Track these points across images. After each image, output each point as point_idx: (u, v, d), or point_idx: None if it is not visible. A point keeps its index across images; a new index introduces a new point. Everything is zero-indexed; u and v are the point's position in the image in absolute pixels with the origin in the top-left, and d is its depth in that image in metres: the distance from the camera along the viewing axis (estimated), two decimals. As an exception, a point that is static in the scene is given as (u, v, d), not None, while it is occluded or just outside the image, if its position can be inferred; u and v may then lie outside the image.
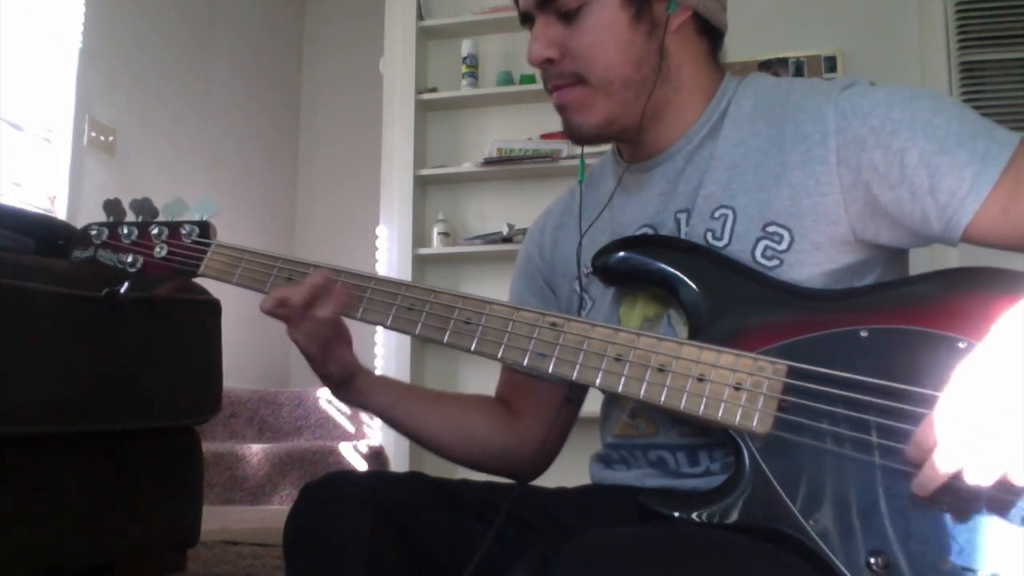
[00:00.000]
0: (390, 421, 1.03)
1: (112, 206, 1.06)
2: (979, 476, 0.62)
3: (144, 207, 1.05)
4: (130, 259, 1.03)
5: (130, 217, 1.06)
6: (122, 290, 1.02)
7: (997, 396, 0.62)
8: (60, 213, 3.25)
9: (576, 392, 0.99)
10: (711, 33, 0.94)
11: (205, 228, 1.02)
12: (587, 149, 0.97)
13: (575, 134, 0.94)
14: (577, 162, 1.01)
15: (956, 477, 0.64)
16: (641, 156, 0.96)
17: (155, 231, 1.03)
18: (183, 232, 1.02)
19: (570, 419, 1.08)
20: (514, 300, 1.08)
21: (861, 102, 0.83)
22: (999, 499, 0.65)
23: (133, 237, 1.04)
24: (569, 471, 0.99)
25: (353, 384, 0.99)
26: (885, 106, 0.81)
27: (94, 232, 1.05)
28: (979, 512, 0.66)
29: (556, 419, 1.06)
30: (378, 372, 3.62)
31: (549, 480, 1.00)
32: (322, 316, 0.92)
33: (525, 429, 1.05)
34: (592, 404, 1.02)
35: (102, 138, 3.49)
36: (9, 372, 1.23)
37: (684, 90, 0.92)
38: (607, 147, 1.05)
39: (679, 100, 0.92)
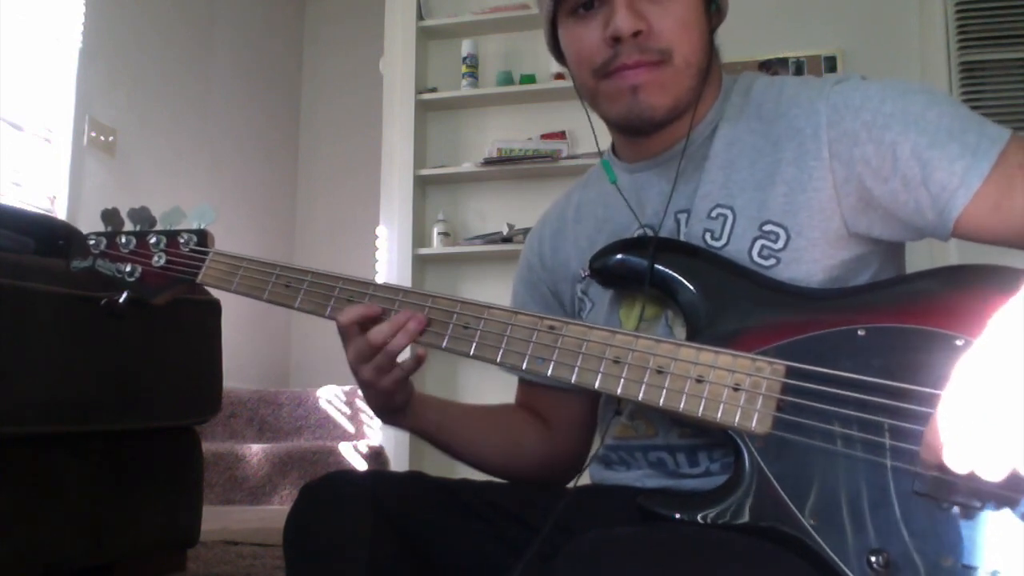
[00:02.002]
0: (434, 442, 1.02)
1: (110, 215, 1.07)
2: (990, 472, 0.62)
3: (142, 216, 1.05)
4: (128, 268, 1.03)
5: (128, 226, 1.06)
6: (121, 299, 1.02)
7: (1000, 390, 0.62)
8: (60, 213, 3.25)
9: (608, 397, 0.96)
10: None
11: (203, 236, 1.03)
12: (583, 149, 0.97)
13: (644, 117, 0.89)
14: (578, 162, 1.01)
15: (968, 476, 0.63)
16: (642, 156, 0.96)
17: (153, 240, 1.03)
18: (181, 241, 1.03)
19: (596, 421, 1.08)
20: (517, 306, 1.08)
21: (853, 96, 0.83)
22: (1005, 495, 0.65)
23: (131, 246, 1.04)
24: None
25: (409, 408, 0.98)
26: (877, 100, 0.81)
27: (92, 242, 1.06)
28: (982, 512, 0.66)
29: (585, 423, 1.06)
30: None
31: (573, 481, 1.00)
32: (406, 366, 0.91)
33: (560, 437, 1.05)
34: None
35: (102, 138, 3.49)
36: (9, 372, 1.24)
37: (708, 86, 0.92)
38: (602, 147, 1.05)
39: (703, 95, 0.92)
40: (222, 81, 4.45)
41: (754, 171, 0.87)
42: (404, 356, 0.90)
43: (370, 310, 0.90)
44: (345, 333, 0.91)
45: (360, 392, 0.97)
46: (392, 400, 0.94)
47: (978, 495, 0.66)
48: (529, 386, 1.08)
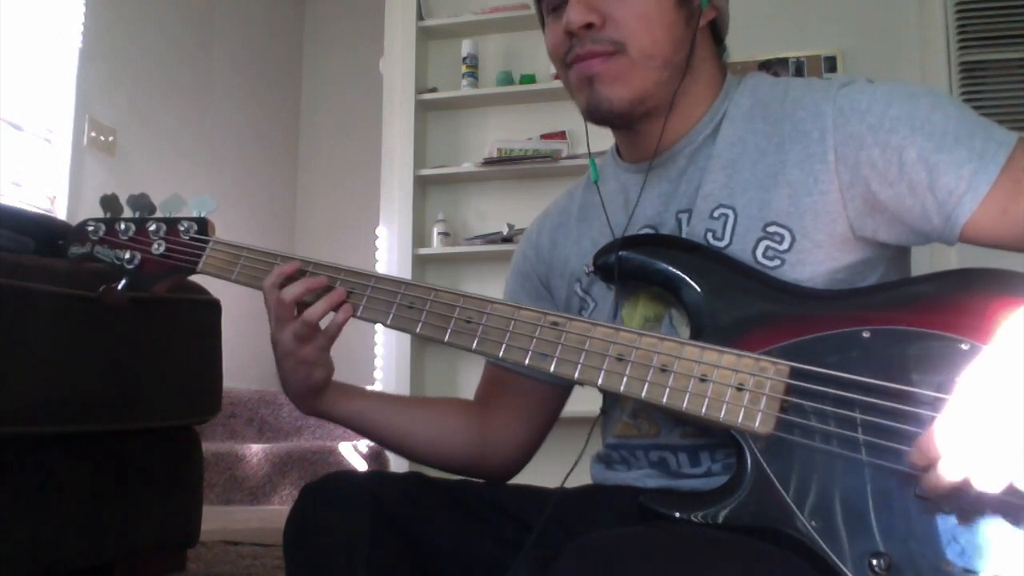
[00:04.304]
0: (360, 428, 1.01)
1: (109, 202, 1.05)
2: (986, 483, 0.62)
3: (141, 203, 1.04)
4: (127, 256, 1.02)
5: (127, 213, 1.05)
6: (119, 287, 1.01)
7: (1002, 402, 0.62)
8: (60, 213, 3.25)
9: (609, 395, 0.96)
10: (718, 37, 0.96)
11: (203, 225, 1.02)
12: (583, 149, 0.97)
13: (603, 108, 0.89)
14: (577, 162, 1.01)
15: (963, 484, 0.63)
16: (642, 155, 0.96)
17: (153, 227, 1.02)
18: (181, 229, 1.02)
19: (551, 418, 1.07)
20: (507, 296, 1.08)
21: (859, 99, 0.82)
22: (1006, 503, 0.65)
23: (131, 233, 1.03)
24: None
25: (326, 391, 0.97)
26: (883, 103, 0.81)
27: (91, 228, 1.04)
28: (983, 515, 0.66)
29: (536, 417, 1.06)
30: (377, 372, 3.58)
31: (549, 480, 1.00)
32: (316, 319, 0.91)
33: (502, 427, 1.04)
34: (591, 404, 1.02)
35: (102, 138, 3.49)
36: (9, 372, 1.23)
37: (700, 84, 0.93)
38: (605, 147, 1.05)
39: (695, 92, 0.92)
40: (222, 81, 4.44)
41: (756, 171, 0.86)
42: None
43: (290, 267, 0.93)
44: (266, 299, 0.93)
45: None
46: (311, 375, 0.93)
47: (981, 502, 0.65)
48: (489, 373, 1.07)
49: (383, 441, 1.03)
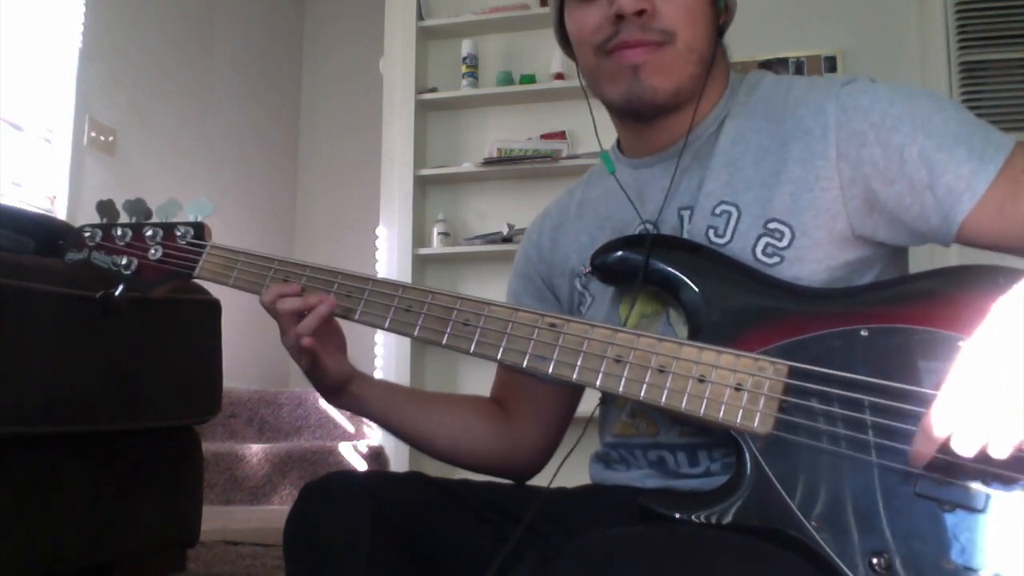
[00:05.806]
0: (386, 424, 1.02)
1: (105, 207, 1.05)
2: (999, 448, 0.62)
3: (138, 208, 1.04)
4: (124, 261, 1.02)
5: (124, 218, 1.05)
6: (117, 292, 1.01)
7: (1002, 373, 0.62)
8: (60, 213, 3.25)
9: (608, 394, 0.96)
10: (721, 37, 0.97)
11: (200, 229, 1.02)
12: (583, 149, 0.97)
13: (645, 98, 0.89)
14: (577, 162, 1.01)
15: (976, 457, 0.63)
16: (645, 151, 0.96)
17: (149, 233, 1.02)
18: (178, 234, 1.02)
19: (567, 418, 1.08)
20: (511, 300, 1.08)
21: (862, 98, 0.83)
22: (1008, 476, 0.64)
23: (127, 239, 1.03)
24: (569, 471, 0.98)
25: (348, 389, 0.98)
26: (886, 102, 0.82)
27: (87, 234, 1.05)
28: (984, 511, 0.66)
29: (552, 418, 1.06)
30: (377, 373, 3.59)
31: (549, 480, 1.00)
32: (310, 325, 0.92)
33: (521, 429, 1.05)
34: (591, 404, 1.02)
35: (102, 138, 3.49)
36: (9, 372, 1.23)
37: (714, 81, 0.93)
38: (607, 147, 1.05)
39: (708, 90, 0.92)
40: (222, 81, 4.44)
41: (759, 169, 0.87)
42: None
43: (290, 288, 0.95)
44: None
45: None
46: (312, 370, 0.94)
47: (983, 478, 0.65)
48: (505, 375, 1.08)
49: (407, 438, 1.03)
